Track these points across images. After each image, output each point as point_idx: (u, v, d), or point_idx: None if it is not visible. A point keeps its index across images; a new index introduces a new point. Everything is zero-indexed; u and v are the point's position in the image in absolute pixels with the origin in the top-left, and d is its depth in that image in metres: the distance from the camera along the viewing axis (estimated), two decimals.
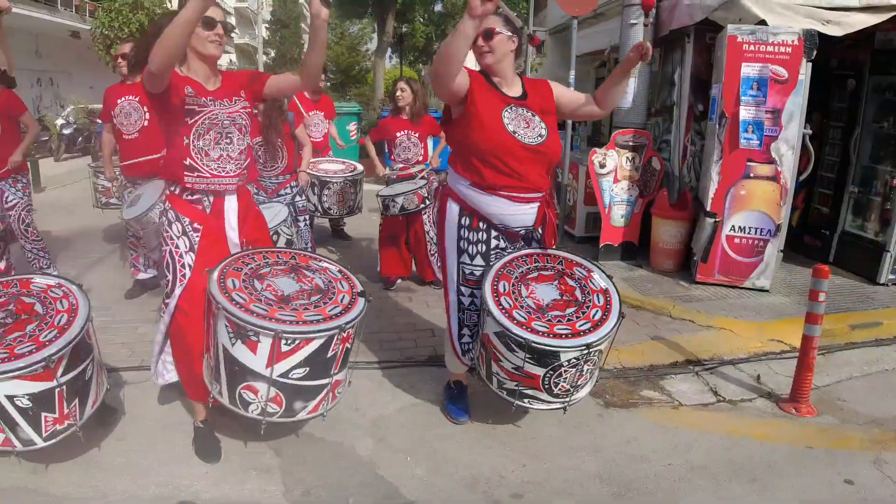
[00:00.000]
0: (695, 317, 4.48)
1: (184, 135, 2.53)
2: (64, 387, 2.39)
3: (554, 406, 2.69)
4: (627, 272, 5.49)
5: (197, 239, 2.60)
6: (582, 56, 6.94)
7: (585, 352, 2.49)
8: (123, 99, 4.59)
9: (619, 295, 2.68)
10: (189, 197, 2.62)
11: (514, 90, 2.82)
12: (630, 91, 5.64)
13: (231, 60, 38.06)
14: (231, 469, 2.69)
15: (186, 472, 2.66)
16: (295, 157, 4.83)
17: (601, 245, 5.77)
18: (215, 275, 2.44)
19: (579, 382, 2.63)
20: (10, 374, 2.25)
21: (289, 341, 2.29)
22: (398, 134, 4.93)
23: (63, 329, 2.43)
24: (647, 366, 3.76)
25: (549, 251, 2.85)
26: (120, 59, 4.62)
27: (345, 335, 2.41)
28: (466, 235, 2.82)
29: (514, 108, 2.74)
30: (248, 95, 2.73)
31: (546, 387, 2.58)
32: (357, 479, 2.65)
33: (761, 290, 4.99)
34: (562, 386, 2.59)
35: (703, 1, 5.17)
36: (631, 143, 5.54)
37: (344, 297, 2.53)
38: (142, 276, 4.92)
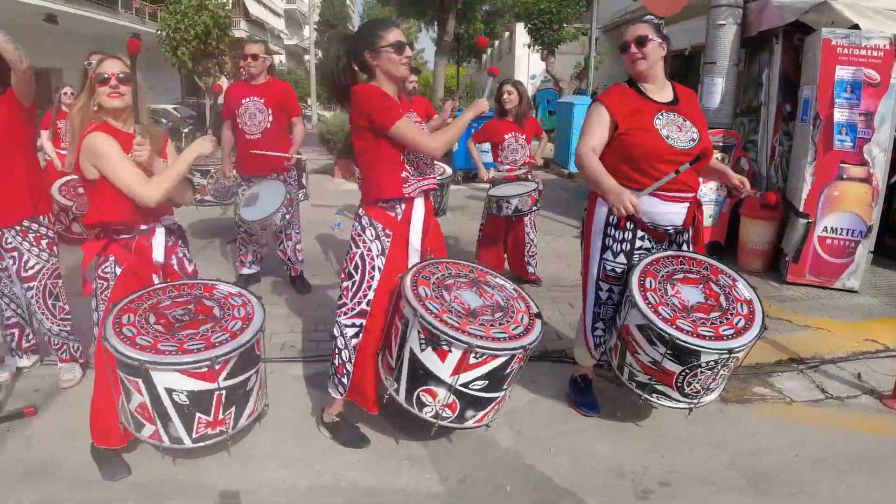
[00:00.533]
0: (791, 316, 4.56)
1: (400, 150, 2.62)
2: (224, 391, 2.38)
3: (681, 405, 2.75)
4: None
5: (388, 244, 2.68)
6: None
7: (726, 356, 2.53)
8: (248, 99, 4.57)
9: (762, 307, 2.70)
10: (383, 204, 2.69)
11: (665, 95, 2.85)
12: (717, 92, 5.71)
13: (281, 61, 38.52)
14: (382, 459, 2.79)
15: (339, 461, 2.77)
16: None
17: None
18: (408, 281, 2.52)
19: (711, 386, 2.69)
20: (174, 367, 2.26)
21: (478, 355, 2.37)
22: (506, 136, 4.92)
23: (235, 334, 2.43)
24: (753, 364, 3.83)
25: (696, 255, 2.88)
26: (250, 59, 4.53)
27: (522, 354, 2.50)
28: (612, 233, 2.88)
29: (665, 114, 2.78)
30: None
31: (678, 385, 2.64)
32: (507, 468, 2.77)
33: (850, 290, 5.03)
34: (694, 387, 2.64)
35: (794, 3, 5.22)
36: (721, 144, 5.59)
37: (523, 316, 2.60)
38: (245, 271, 5.06)
